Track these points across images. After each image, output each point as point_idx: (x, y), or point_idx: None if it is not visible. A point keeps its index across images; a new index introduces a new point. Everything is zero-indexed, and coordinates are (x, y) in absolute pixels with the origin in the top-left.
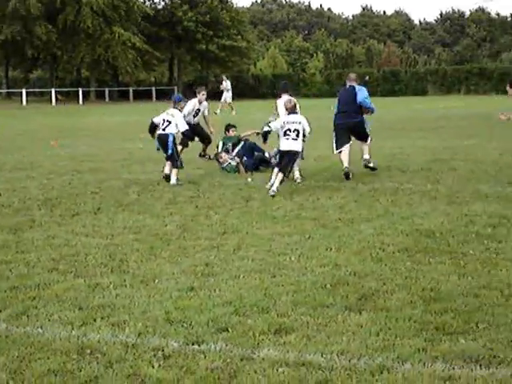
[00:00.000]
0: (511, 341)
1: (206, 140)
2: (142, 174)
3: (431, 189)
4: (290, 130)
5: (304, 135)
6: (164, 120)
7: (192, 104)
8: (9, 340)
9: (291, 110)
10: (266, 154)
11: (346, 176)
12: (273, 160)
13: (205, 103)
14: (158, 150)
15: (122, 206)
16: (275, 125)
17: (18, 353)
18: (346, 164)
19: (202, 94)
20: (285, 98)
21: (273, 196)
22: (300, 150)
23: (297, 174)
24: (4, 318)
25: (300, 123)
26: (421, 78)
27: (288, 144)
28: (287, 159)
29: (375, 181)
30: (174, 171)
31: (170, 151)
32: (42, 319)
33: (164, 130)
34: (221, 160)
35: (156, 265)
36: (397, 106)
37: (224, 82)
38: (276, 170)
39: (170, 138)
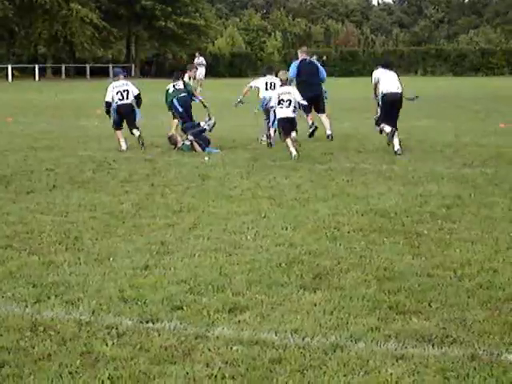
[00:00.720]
0: (464, 320)
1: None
2: (98, 152)
3: (386, 169)
4: (283, 100)
5: (295, 105)
6: (119, 92)
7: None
8: None
9: (284, 82)
10: (202, 123)
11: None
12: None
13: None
14: (118, 124)
15: (78, 184)
16: (273, 100)
17: None
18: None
19: (193, 71)
20: (268, 77)
21: (297, 157)
22: (294, 116)
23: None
24: None
25: (291, 93)
26: (378, 58)
27: (284, 111)
28: (289, 124)
29: (332, 160)
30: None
31: (138, 116)
32: None
33: (124, 99)
34: (172, 142)
35: (111, 243)
36: (354, 87)
37: (197, 59)
38: (288, 139)
39: (134, 105)
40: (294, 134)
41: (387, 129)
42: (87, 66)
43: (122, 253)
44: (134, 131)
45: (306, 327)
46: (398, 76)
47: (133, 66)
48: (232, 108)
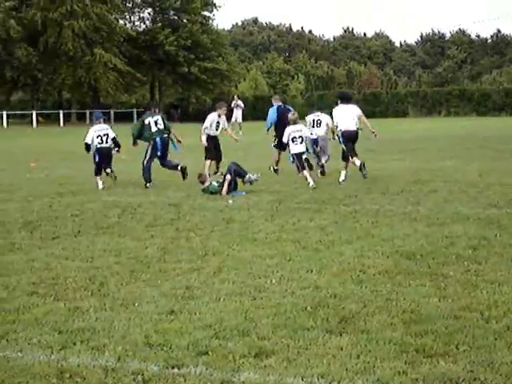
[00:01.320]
0: (491, 363)
1: (218, 158)
2: (123, 197)
3: (411, 210)
4: (295, 137)
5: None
6: (100, 136)
7: (211, 117)
8: None
9: (294, 122)
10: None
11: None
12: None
13: (223, 117)
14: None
15: (103, 229)
16: (284, 137)
17: None
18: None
19: (223, 110)
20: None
21: (314, 188)
22: (304, 150)
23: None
24: None
25: (301, 131)
26: (401, 99)
27: (297, 147)
28: (301, 158)
29: (356, 203)
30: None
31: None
32: (21, 343)
33: (104, 142)
34: (201, 179)
35: (136, 288)
36: (377, 128)
37: (234, 101)
38: (304, 171)
39: (112, 149)
40: (308, 169)
41: (357, 162)
42: (111, 110)
43: (147, 298)
44: (108, 170)
45: (332, 372)
46: (358, 107)
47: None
48: (255, 150)
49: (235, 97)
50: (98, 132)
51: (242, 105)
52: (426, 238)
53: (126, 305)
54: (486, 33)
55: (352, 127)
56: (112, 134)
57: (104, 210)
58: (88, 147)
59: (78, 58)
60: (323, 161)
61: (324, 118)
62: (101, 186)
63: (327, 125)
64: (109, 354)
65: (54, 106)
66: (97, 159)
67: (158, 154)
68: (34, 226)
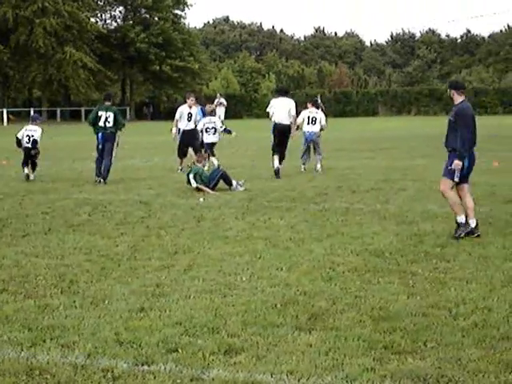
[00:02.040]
0: (459, 360)
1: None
2: (93, 194)
3: (381, 209)
4: (209, 128)
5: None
6: (28, 136)
7: (181, 108)
8: None
9: (210, 114)
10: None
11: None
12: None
13: (195, 109)
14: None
15: (73, 227)
16: (199, 126)
17: None
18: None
19: (191, 100)
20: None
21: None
22: (217, 140)
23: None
24: None
25: (215, 123)
26: (371, 98)
27: (210, 138)
28: (212, 147)
29: (326, 201)
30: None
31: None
32: None
33: (28, 143)
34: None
35: (106, 285)
36: (348, 127)
37: (217, 99)
38: (212, 158)
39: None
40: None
41: (275, 164)
42: (82, 108)
43: (117, 295)
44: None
45: (301, 368)
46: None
47: (127, 108)
48: (227, 148)
49: (218, 95)
50: (28, 132)
51: (225, 102)
52: (395, 235)
53: (95, 302)
54: (456, 33)
55: (285, 121)
56: (37, 137)
57: (75, 207)
58: (19, 142)
59: (49, 55)
60: (318, 159)
61: (319, 115)
62: (26, 172)
63: (321, 122)
64: (78, 352)
65: (25, 104)
66: (23, 156)
67: (100, 146)
68: (3, 224)
